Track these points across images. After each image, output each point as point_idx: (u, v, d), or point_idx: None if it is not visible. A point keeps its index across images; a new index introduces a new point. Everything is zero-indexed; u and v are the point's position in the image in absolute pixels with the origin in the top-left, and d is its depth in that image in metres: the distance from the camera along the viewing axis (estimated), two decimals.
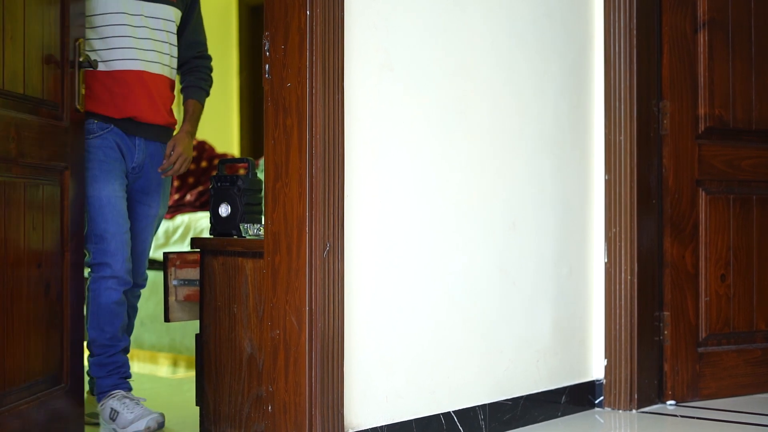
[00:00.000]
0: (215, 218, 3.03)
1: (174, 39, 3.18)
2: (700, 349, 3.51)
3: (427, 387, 2.82)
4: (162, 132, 3.19)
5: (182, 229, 5.15)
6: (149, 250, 3.28)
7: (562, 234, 3.30)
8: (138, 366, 4.45)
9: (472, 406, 2.93)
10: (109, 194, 3.00)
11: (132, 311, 3.32)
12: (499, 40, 3.06)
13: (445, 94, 2.88)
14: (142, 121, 3.09)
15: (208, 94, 3.39)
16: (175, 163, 3.15)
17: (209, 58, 3.39)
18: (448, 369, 2.88)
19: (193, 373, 3.97)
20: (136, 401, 3.02)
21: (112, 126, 3.05)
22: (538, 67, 3.20)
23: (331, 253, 2.54)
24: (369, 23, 2.67)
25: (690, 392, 3.48)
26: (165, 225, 5.22)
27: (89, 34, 2.99)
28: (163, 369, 4.46)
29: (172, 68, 3.19)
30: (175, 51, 3.19)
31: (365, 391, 2.65)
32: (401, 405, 2.74)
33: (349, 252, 2.60)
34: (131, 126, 3.08)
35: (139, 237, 3.20)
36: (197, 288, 3.08)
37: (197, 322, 3.03)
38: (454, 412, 2.87)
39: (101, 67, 3.02)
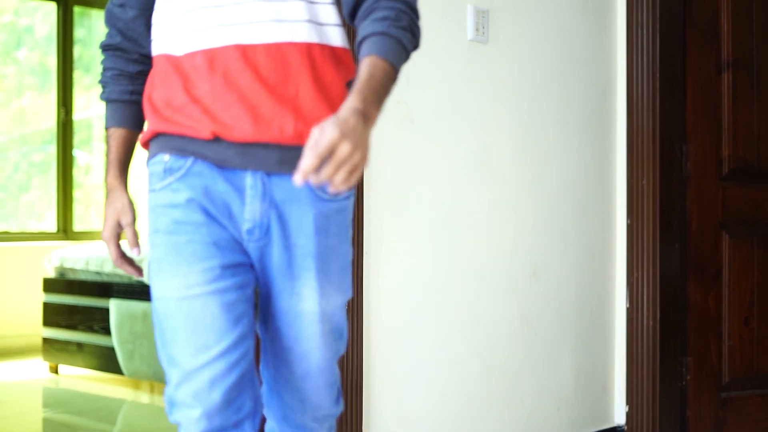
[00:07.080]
0: None
1: None
2: (723, 395, 3.47)
3: None
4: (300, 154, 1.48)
5: None
6: (325, 371, 1.68)
7: (584, 280, 3.27)
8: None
9: None
10: (179, 293, 1.55)
11: None
12: (523, 89, 3.04)
13: (468, 145, 2.86)
14: (245, 140, 1.54)
15: (406, 46, 1.55)
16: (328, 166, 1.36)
17: None
18: (468, 420, 2.86)
19: None
20: None
21: (192, 161, 1.57)
22: (561, 114, 3.18)
23: (350, 309, 2.52)
24: None
25: None
26: None
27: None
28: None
29: (321, 25, 1.60)
30: None
31: None
32: None
33: (368, 306, 2.58)
34: (232, 153, 1.55)
35: (293, 351, 1.66)
36: None
37: None
38: None
39: (165, 50, 1.60)
